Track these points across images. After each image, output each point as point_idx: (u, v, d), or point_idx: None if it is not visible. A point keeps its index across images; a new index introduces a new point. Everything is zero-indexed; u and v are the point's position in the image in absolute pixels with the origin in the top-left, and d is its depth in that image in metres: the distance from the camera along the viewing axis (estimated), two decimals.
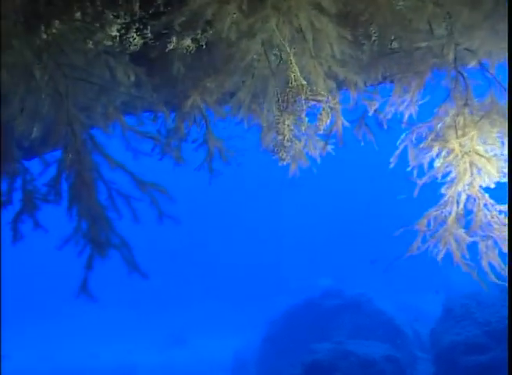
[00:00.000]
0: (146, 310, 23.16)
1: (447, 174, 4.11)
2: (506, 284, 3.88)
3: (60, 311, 23.04)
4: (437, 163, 4.12)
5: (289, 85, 3.31)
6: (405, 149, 4.34)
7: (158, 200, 3.43)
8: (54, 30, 3.57)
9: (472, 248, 4.37)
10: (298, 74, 3.28)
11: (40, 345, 19.79)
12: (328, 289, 13.68)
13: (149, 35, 3.90)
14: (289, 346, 12.92)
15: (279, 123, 3.27)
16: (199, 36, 3.93)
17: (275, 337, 13.53)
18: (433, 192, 4.25)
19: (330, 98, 3.29)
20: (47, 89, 3.44)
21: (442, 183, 4.24)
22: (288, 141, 3.30)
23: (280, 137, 3.30)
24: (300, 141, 3.57)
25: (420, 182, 4.15)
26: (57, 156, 3.53)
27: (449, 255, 4.53)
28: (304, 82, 3.28)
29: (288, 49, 3.37)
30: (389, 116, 4.21)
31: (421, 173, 4.18)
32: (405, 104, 4.16)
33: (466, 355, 9.15)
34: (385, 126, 4.24)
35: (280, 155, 3.34)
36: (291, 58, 3.38)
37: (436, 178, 4.12)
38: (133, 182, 3.30)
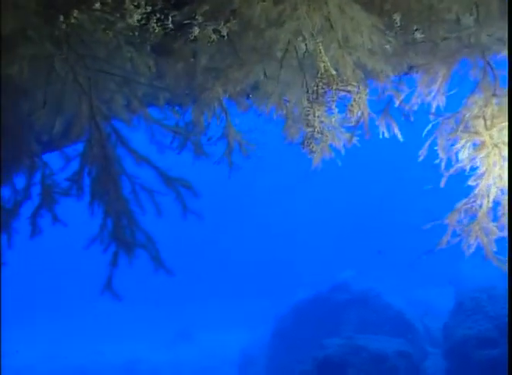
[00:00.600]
0: (153, 305, 23.11)
1: (475, 167, 4.01)
2: None
3: (69, 307, 23.03)
4: (465, 155, 4.01)
5: (319, 75, 3.20)
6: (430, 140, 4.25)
7: (183, 195, 3.34)
8: (73, 21, 3.47)
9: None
10: (328, 64, 3.17)
11: (48, 342, 19.73)
12: (351, 281, 13.57)
13: (170, 26, 3.79)
14: (298, 341, 12.84)
15: (308, 114, 3.17)
16: (221, 26, 3.82)
17: (283, 333, 13.46)
18: (458, 184, 4.16)
19: (361, 88, 3.19)
20: (68, 81, 3.33)
21: (466, 175, 4.15)
22: (318, 133, 3.20)
23: (310, 130, 3.19)
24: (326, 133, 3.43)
25: (447, 173, 4.05)
26: (78, 150, 3.45)
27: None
28: (334, 72, 3.17)
29: (317, 38, 3.26)
30: (416, 107, 4.11)
31: (448, 165, 4.08)
32: (432, 94, 4.06)
33: (478, 349, 9.07)
34: (412, 118, 4.13)
35: (310, 147, 3.24)
36: (320, 47, 3.27)
37: (464, 170, 4.02)
38: (158, 177, 3.20)
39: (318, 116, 3.16)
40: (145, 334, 19.88)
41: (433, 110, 4.09)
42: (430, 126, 4.14)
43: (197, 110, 4.31)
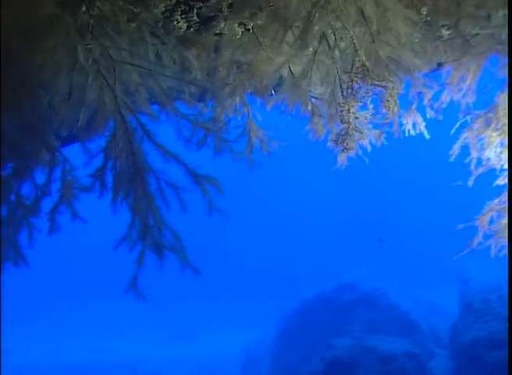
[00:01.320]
0: (156, 303, 23.00)
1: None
2: None
3: (69, 304, 22.93)
4: (494, 153, 3.91)
5: (354, 70, 3.10)
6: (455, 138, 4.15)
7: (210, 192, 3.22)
8: (96, 11, 3.36)
9: None
10: (363, 58, 3.06)
11: (49, 339, 19.62)
12: (357, 280, 13.46)
13: (194, 18, 3.68)
14: (304, 341, 12.73)
15: (343, 110, 3.06)
16: (247, 19, 3.71)
17: (288, 332, 13.34)
18: (488, 183, 4.06)
19: (396, 83, 3.08)
20: (92, 73, 3.22)
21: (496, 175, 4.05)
22: (352, 129, 3.09)
23: (345, 126, 3.08)
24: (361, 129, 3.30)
25: (476, 172, 3.95)
26: (101, 144, 3.33)
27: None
28: (369, 66, 3.06)
29: (352, 31, 3.15)
30: (444, 105, 4.00)
31: (478, 164, 3.98)
32: (462, 92, 3.95)
33: (490, 351, 8.96)
34: (440, 116, 4.02)
35: (345, 144, 3.13)
36: (355, 40, 3.16)
37: (494, 169, 3.92)
38: (186, 173, 3.09)
39: (353, 112, 3.05)
40: (147, 333, 19.78)
41: (463, 108, 3.99)
42: (458, 124, 4.03)
43: (217, 105, 4.21)
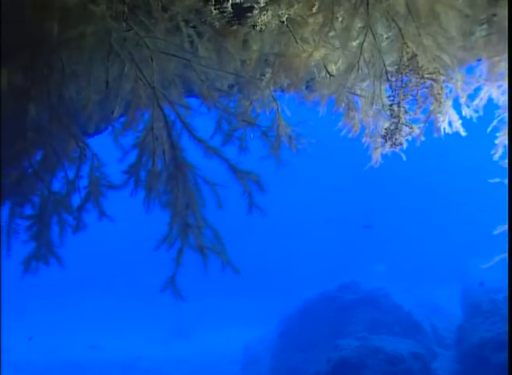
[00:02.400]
0: (154, 300, 22.79)
1: None
2: None
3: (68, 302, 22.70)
4: None
5: (403, 63, 2.97)
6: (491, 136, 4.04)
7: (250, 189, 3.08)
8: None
9: None
10: (414, 49, 2.94)
11: (45, 336, 19.40)
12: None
13: (229, 9, 3.54)
14: (306, 341, 12.62)
15: (392, 104, 2.93)
16: (283, 11, 3.57)
17: (290, 331, 13.22)
18: None
19: (448, 77, 2.96)
20: (128, 62, 3.07)
21: None
22: (402, 124, 2.96)
23: (394, 120, 2.95)
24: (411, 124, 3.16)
25: None
26: (135, 138, 3.18)
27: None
28: (418, 59, 2.94)
29: (399, 24, 3.03)
30: (483, 102, 3.88)
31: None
32: (501, 89, 3.83)
33: (498, 353, 8.89)
34: (479, 113, 3.90)
35: (394, 139, 3.00)
36: (402, 33, 3.04)
37: None
38: (227, 168, 2.94)
39: (404, 107, 2.93)
40: (145, 330, 19.61)
41: (501, 105, 3.87)
42: (496, 121, 3.91)
43: (244, 99, 4.06)
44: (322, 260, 24.69)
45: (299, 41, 3.73)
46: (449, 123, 4.03)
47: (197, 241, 2.85)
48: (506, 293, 10.22)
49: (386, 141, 3.03)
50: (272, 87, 4.00)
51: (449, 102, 4.03)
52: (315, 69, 3.78)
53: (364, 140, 3.91)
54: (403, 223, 27.45)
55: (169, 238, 2.87)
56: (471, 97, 3.93)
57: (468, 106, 3.92)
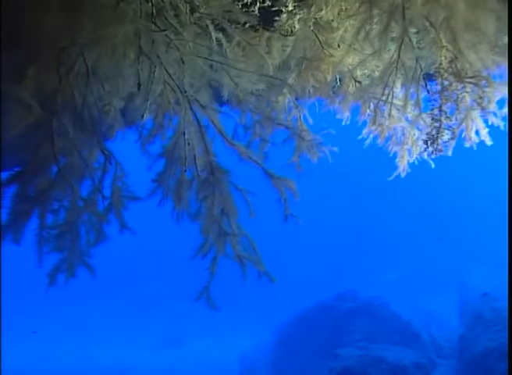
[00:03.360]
0: (146, 309, 22.55)
1: None
2: None
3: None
4: None
5: (441, 66, 2.89)
6: None
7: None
8: (156, 1, 3.09)
9: None
10: (454, 53, 2.85)
11: (37, 344, 19.10)
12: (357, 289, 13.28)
13: (255, 12, 3.44)
14: (303, 350, 12.49)
15: (434, 108, 2.84)
16: (311, 15, 3.48)
17: (287, 340, 13.09)
18: None
19: (489, 81, 2.88)
20: (158, 65, 2.94)
21: None
22: (443, 129, 2.87)
23: (437, 124, 2.86)
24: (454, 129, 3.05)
25: None
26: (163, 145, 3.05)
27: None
28: (461, 62, 2.85)
29: (437, 27, 2.94)
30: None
31: None
32: None
33: (502, 362, 8.81)
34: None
35: (435, 145, 2.90)
36: (441, 37, 2.95)
37: None
38: (263, 174, 2.83)
39: (444, 111, 2.84)
40: (137, 339, 19.37)
41: None
42: None
43: (277, 103, 3.93)
44: (320, 269, 24.58)
45: (326, 45, 3.64)
46: (476, 132, 3.95)
47: (234, 249, 2.73)
48: (505, 301, 10.18)
49: (428, 147, 2.93)
50: (294, 93, 3.90)
51: (476, 110, 3.95)
52: (343, 75, 3.68)
53: (390, 148, 3.82)
54: (401, 231, 27.32)
55: (204, 247, 2.74)
56: (500, 103, 3.85)
57: (495, 114, 3.84)
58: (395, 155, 3.84)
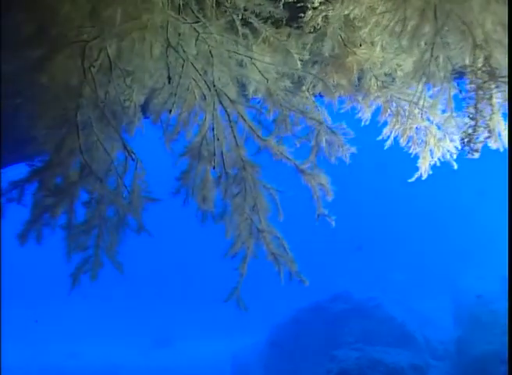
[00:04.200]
0: (137, 307, 22.36)
1: None
2: None
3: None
4: None
5: (474, 65, 2.83)
6: None
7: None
8: None
9: None
10: (488, 52, 2.79)
11: (24, 342, 18.86)
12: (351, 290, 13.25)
13: (280, 7, 3.36)
14: (297, 351, 12.44)
15: (468, 106, 2.78)
16: (338, 11, 3.40)
17: (280, 341, 13.02)
18: None
19: None
20: (186, 59, 2.86)
21: None
22: (479, 127, 2.81)
23: (472, 123, 2.80)
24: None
25: None
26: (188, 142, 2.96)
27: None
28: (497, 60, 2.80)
29: (470, 27, 2.89)
30: None
31: None
32: None
33: (502, 365, 8.80)
34: None
35: (472, 145, 2.83)
36: (474, 36, 2.90)
37: None
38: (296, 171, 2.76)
39: (481, 111, 2.78)
40: (127, 338, 19.20)
41: None
42: None
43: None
44: (315, 270, 24.47)
45: (350, 43, 3.58)
46: (499, 134, 3.89)
47: (268, 247, 2.65)
48: (500, 303, 10.17)
49: (465, 146, 2.87)
50: (312, 92, 3.82)
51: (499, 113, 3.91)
52: (365, 74, 3.62)
53: (412, 149, 3.76)
54: (402, 233, 27.13)
55: (235, 246, 2.67)
56: None
57: None
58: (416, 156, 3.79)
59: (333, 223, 2.90)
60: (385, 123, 3.89)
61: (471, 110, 2.77)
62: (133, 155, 3.10)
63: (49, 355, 18.13)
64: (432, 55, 2.92)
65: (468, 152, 2.86)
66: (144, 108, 3.23)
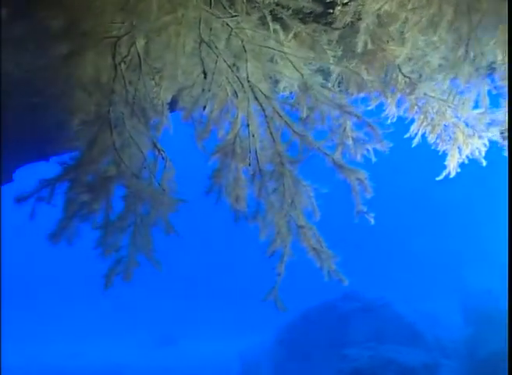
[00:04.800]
0: (143, 306, 22.32)
1: None
2: None
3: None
4: None
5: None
6: None
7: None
8: None
9: None
10: None
11: (25, 342, 18.81)
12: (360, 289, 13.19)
13: (309, 4, 3.31)
14: (307, 350, 12.39)
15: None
16: (368, 7, 3.35)
17: (289, 340, 12.98)
18: None
19: None
20: (218, 54, 2.81)
21: None
22: None
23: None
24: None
25: None
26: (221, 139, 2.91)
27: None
28: None
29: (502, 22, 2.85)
30: None
31: None
32: None
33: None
34: None
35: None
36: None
37: None
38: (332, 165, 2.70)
39: None
40: (131, 337, 19.15)
41: None
42: None
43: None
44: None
45: (379, 40, 3.53)
46: None
47: (308, 243, 2.60)
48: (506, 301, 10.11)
49: (504, 140, 2.83)
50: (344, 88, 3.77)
51: None
52: (394, 70, 3.57)
53: (440, 146, 3.72)
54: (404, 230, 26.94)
55: (275, 243, 2.62)
56: None
57: None
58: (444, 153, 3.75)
59: (372, 221, 2.83)
60: (412, 121, 3.85)
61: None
62: (163, 154, 3.06)
63: (49, 355, 18.03)
64: (466, 51, 2.88)
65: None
66: (172, 105, 3.19)
